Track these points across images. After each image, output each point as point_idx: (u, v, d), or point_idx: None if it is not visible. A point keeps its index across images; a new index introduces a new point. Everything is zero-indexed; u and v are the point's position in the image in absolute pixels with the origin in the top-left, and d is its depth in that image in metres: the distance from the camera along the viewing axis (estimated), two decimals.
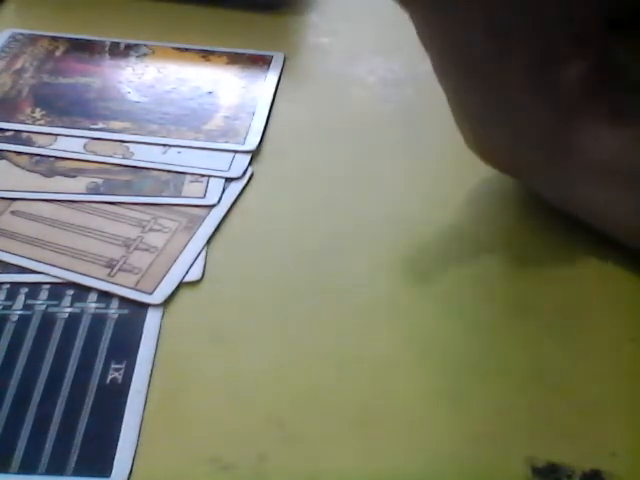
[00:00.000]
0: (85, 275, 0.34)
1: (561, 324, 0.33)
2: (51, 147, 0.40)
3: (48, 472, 0.27)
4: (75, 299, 0.33)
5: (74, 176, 0.39)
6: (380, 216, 0.38)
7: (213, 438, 0.29)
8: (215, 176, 0.39)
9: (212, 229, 0.36)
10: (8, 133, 0.41)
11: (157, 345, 0.31)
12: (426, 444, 0.29)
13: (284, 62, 0.47)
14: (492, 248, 0.36)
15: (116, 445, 0.28)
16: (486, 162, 0.37)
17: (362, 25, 0.51)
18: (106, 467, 0.27)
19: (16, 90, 0.44)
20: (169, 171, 0.39)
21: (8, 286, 0.33)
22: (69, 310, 0.33)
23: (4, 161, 0.39)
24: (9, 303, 0.33)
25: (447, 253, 0.36)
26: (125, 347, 0.31)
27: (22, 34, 0.48)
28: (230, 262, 0.35)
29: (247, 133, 0.42)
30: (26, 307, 0.33)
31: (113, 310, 0.33)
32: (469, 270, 0.35)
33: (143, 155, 0.40)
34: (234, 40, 0.48)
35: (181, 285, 0.34)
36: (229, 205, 0.38)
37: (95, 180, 0.38)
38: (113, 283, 0.33)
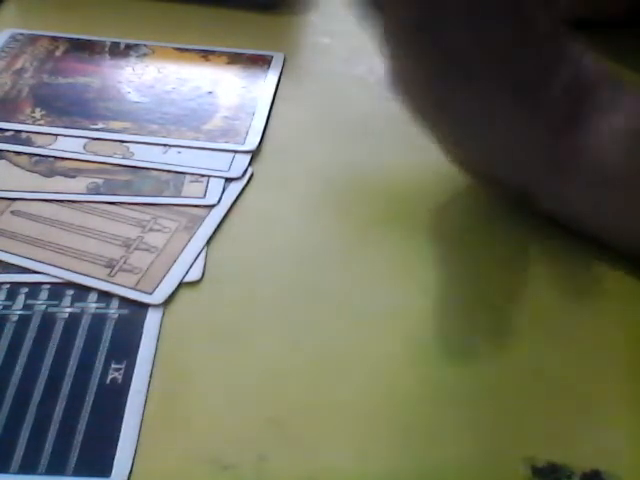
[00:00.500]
0: (85, 275, 0.34)
1: (561, 324, 0.33)
2: (51, 147, 0.40)
3: (48, 472, 0.27)
4: (75, 299, 0.33)
5: (74, 176, 0.39)
6: (380, 216, 0.38)
7: (213, 438, 0.29)
8: (215, 176, 0.39)
9: (212, 229, 0.36)
10: (8, 133, 0.41)
11: (157, 345, 0.31)
12: (426, 444, 0.29)
13: (284, 62, 0.47)
14: (491, 248, 0.36)
15: (116, 445, 0.28)
16: (485, 189, 0.37)
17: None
18: (106, 467, 0.27)
19: (16, 90, 0.44)
20: (169, 171, 0.39)
21: (8, 286, 0.33)
22: (69, 310, 0.33)
23: (4, 161, 0.39)
24: (9, 303, 0.33)
25: (447, 253, 0.36)
26: (125, 347, 0.31)
27: (22, 34, 0.48)
28: (230, 262, 0.35)
29: (247, 133, 0.42)
30: (26, 307, 0.33)
31: (113, 310, 0.33)
32: (468, 270, 0.35)
33: (143, 155, 0.40)
34: (234, 40, 0.48)
35: (181, 285, 0.34)
36: (229, 205, 0.38)
37: (95, 180, 0.38)
38: (113, 283, 0.33)
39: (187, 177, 0.39)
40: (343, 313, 0.33)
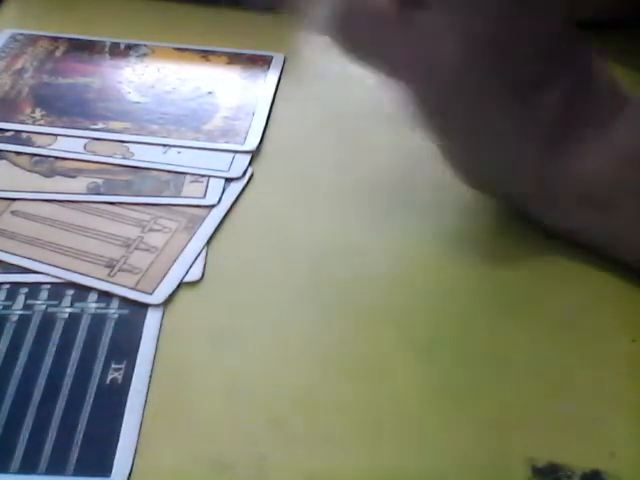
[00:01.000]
0: (85, 275, 0.34)
1: (561, 324, 0.33)
2: (51, 147, 0.40)
3: (48, 472, 0.27)
4: (75, 299, 0.33)
5: (74, 176, 0.39)
6: (380, 216, 0.38)
7: (213, 438, 0.29)
8: (215, 176, 0.39)
9: (212, 229, 0.36)
10: (8, 133, 0.41)
11: (157, 345, 0.31)
12: (426, 444, 0.29)
13: (284, 62, 0.47)
14: (492, 248, 0.36)
15: (116, 445, 0.28)
16: (483, 195, 0.37)
17: None
18: (106, 467, 0.27)
19: (16, 90, 0.44)
20: (169, 171, 0.39)
21: (8, 286, 0.33)
22: (69, 310, 0.33)
23: (4, 161, 0.39)
24: (9, 303, 0.33)
25: (447, 252, 0.36)
26: (125, 347, 0.31)
27: (22, 34, 0.48)
28: (230, 262, 0.35)
29: (247, 133, 0.42)
30: (26, 307, 0.33)
31: (113, 310, 0.33)
32: (469, 270, 0.35)
33: (143, 155, 0.40)
34: (234, 40, 0.48)
35: (181, 285, 0.34)
36: (229, 205, 0.38)
37: (95, 180, 0.38)
38: (113, 283, 0.33)
39: (187, 177, 0.39)
40: (343, 313, 0.33)
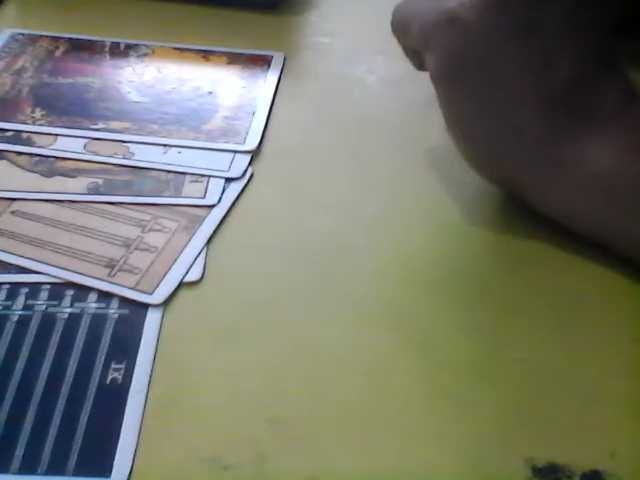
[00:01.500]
0: (85, 275, 0.34)
1: (561, 324, 0.33)
2: (51, 147, 0.40)
3: (48, 472, 0.27)
4: (75, 299, 0.33)
5: (74, 176, 0.39)
6: (380, 216, 0.38)
7: (213, 438, 0.29)
8: (215, 176, 0.39)
9: (212, 229, 0.36)
10: (8, 133, 0.41)
11: (157, 345, 0.31)
12: (426, 444, 0.29)
13: (284, 62, 0.47)
14: (492, 247, 0.36)
15: (116, 445, 0.28)
16: (482, 176, 0.37)
17: (362, 25, 0.51)
18: (106, 467, 0.27)
19: (16, 90, 0.44)
20: (169, 171, 0.39)
21: (8, 286, 0.33)
22: (69, 310, 0.33)
23: (4, 161, 0.39)
24: (9, 303, 0.33)
25: (447, 252, 0.36)
26: (125, 347, 0.31)
27: (22, 34, 0.48)
28: (230, 262, 0.35)
29: (247, 133, 0.42)
30: (26, 307, 0.33)
31: (113, 310, 0.33)
32: (469, 269, 0.35)
33: (143, 155, 0.40)
34: (234, 40, 0.48)
35: (181, 285, 0.34)
36: (229, 205, 0.38)
37: (95, 180, 0.38)
38: (113, 283, 0.33)
39: (187, 177, 0.39)
40: (343, 313, 0.33)
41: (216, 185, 0.39)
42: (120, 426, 0.29)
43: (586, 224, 0.34)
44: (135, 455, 0.28)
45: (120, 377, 0.30)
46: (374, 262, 0.35)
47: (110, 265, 0.34)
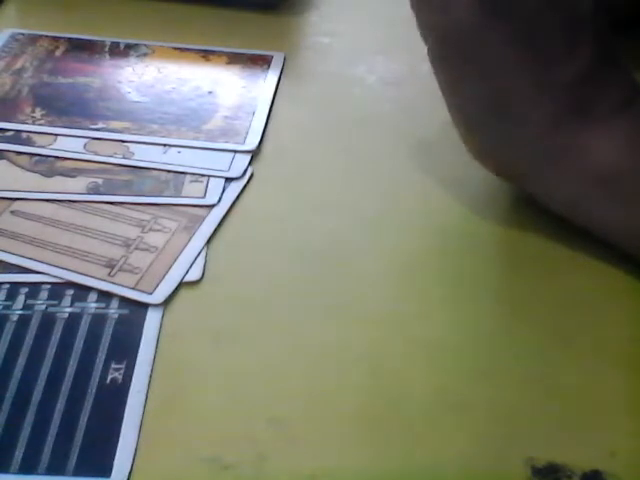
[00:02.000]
0: (85, 275, 0.34)
1: (562, 324, 0.33)
2: (51, 147, 0.40)
3: (48, 472, 0.27)
4: (75, 299, 0.33)
5: (74, 176, 0.39)
6: (380, 216, 0.38)
7: (213, 438, 0.29)
8: (215, 176, 0.39)
9: (212, 229, 0.36)
10: (8, 133, 0.41)
11: (157, 345, 0.31)
12: (426, 444, 0.29)
13: (284, 62, 0.47)
14: (493, 248, 0.36)
15: (116, 445, 0.28)
16: (485, 167, 0.37)
17: (362, 25, 0.51)
18: (106, 467, 0.27)
19: (16, 90, 0.44)
20: (169, 171, 0.39)
21: (8, 286, 0.33)
22: (69, 310, 0.33)
23: (4, 161, 0.39)
24: (9, 303, 0.33)
25: (447, 252, 0.36)
26: (125, 347, 0.31)
27: (22, 34, 0.48)
28: (230, 262, 0.35)
29: (247, 133, 0.42)
30: (26, 307, 0.33)
31: (113, 310, 0.33)
32: (469, 269, 0.35)
33: (143, 155, 0.40)
34: (234, 40, 0.48)
35: (181, 285, 0.34)
36: (229, 205, 0.38)
37: (95, 180, 0.38)
38: (113, 283, 0.33)
39: (187, 177, 0.39)
40: (343, 313, 0.33)
41: (216, 185, 0.39)
42: (120, 426, 0.29)
43: (588, 217, 0.35)
44: (135, 455, 0.28)
45: (120, 377, 0.30)
46: (374, 262, 0.35)
47: (110, 265, 0.34)
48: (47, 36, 0.48)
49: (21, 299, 0.33)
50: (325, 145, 0.42)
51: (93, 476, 0.27)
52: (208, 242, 0.36)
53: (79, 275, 0.34)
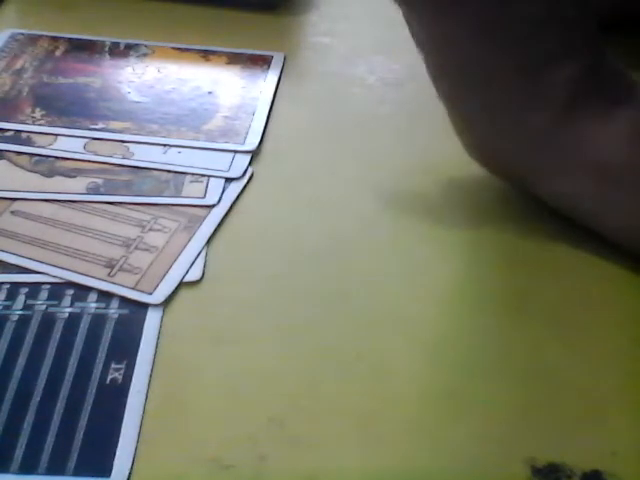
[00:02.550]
0: (85, 275, 0.34)
1: (562, 324, 0.33)
2: (51, 147, 0.40)
3: (48, 472, 0.27)
4: (75, 299, 0.33)
5: (74, 176, 0.39)
6: (380, 216, 0.38)
7: (213, 438, 0.29)
8: (215, 176, 0.39)
9: (212, 229, 0.36)
10: (8, 133, 0.41)
11: (157, 345, 0.31)
12: (426, 444, 0.29)
13: (284, 62, 0.47)
14: (492, 247, 0.36)
15: (116, 445, 0.28)
16: (485, 167, 0.37)
17: (362, 25, 0.51)
18: (106, 467, 0.27)
19: (16, 90, 0.44)
20: (169, 171, 0.39)
21: (8, 286, 0.33)
22: (69, 310, 0.33)
23: (4, 161, 0.39)
24: (9, 303, 0.33)
25: (447, 252, 0.36)
26: (125, 347, 0.31)
27: (22, 34, 0.48)
28: (230, 262, 0.35)
29: (247, 133, 0.42)
30: (26, 307, 0.33)
31: (113, 310, 0.33)
32: (469, 269, 0.35)
33: (143, 155, 0.40)
34: (234, 40, 0.48)
35: (181, 285, 0.34)
36: (229, 205, 0.38)
37: (95, 180, 0.38)
38: (113, 283, 0.33)
39: (187, 177, 0.39)
40: (343, 313, 0.33)
41: (216, 185, 0.39)
42: (120, 426, 0.29)
43: (588, 214, 0.35)
44: (135, 455, 0.28)
45: (120, 377, 0.30)
46: (374, 262, 0.35)
47: (110, 265, 0.34)
48: (47, 36, 0.48)
49: (21, 299, 0.33)
50: (325, 145, 0.42)
51: (93, 476, 0.27)
52: (208, 242, 0.36)
53: (79, 275, 0.34)
